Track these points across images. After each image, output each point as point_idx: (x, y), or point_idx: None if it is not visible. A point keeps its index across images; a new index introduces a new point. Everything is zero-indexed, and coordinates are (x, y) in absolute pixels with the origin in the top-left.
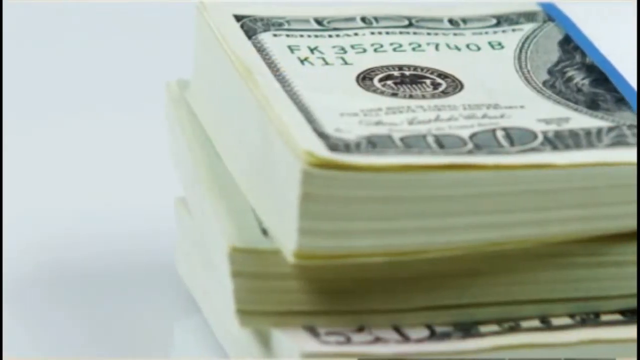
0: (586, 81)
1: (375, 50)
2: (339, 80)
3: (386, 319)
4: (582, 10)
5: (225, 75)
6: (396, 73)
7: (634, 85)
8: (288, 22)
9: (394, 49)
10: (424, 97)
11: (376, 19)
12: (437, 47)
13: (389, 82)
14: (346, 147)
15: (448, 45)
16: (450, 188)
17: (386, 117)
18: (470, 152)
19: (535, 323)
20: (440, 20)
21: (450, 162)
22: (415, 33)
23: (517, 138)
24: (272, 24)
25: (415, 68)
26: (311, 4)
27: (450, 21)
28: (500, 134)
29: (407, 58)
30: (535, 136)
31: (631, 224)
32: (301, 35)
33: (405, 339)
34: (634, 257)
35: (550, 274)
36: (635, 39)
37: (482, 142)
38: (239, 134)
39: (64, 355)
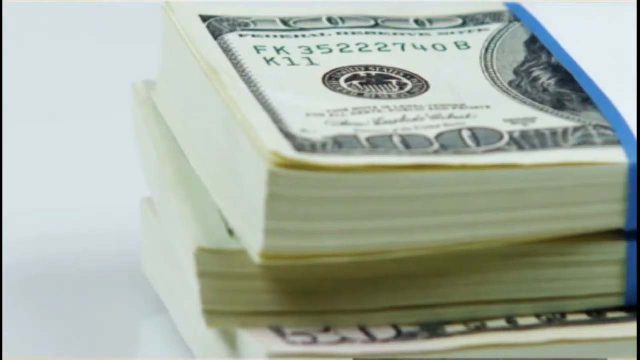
0: (552, 81)
1: (342, 50)
2: (305, 80)
3: (352, 319)
4: (548, 11)
5: (192, 76)
6: (362, 73)
7: (600, 85)
8: (254, 22)
9: (360, 49)
10: (390, 97)
11: (342, 19)
12: (403, 47)
13: (355, 83)
14: (312, 148)
15: (414, 46)
16: (416, 188)
17: (352, 117)
18: (436, 152)
19: (502, 323)
20: (406, 21)
21: (417, 162)
22: (381, 33)
23: (483, 138)
24: (238, 25)
25: (382, 68)
26: (277, 4)
27: (417, 21)
28: (466, 134)
29: (373, 58)
30: (501, 136)
31: (597, 224)
32: (267, 36)
33: (372, 339)
34: (600, 257)
35: (516, 274)
36: (598, 39)
37: (448, 142)
38: (206, 134)
39: (30, 354)
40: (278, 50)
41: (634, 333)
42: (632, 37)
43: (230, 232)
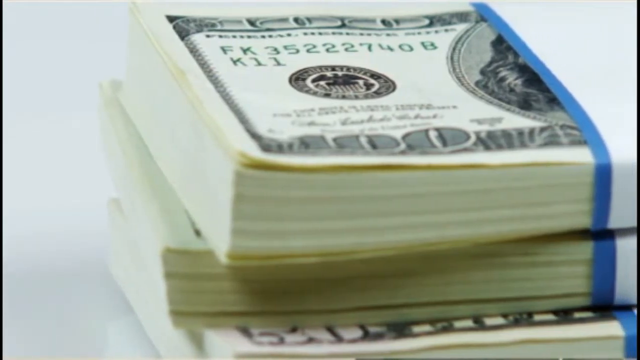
0: (519, 81)
1: (308, 50)
2: (271, 81)
3: (319, 319)
4: (515, 11)
5: (158, 76)
6: (329, 74)
7: (565, 85)
8: (221, 22)
9: (327, 50)
10: (356, 97)
11: (309, 19)
12: (370, 47)
13: (322, 83)
14: (279, 148)
15: (381, 46)
16: (383, 188)
17: (319, 117)
18: (403, 153)
19: (469, 323)
20: (373, 21)
21: (383, 163)
22: (348, 33)
23: (449, 138)
24: (205, 25)
25: (348, 68)
26: (244, 5)
27: (383, 21)
28: (433, 134)
29: (340, 58)
30: (467, 136)
31: (564, 224)
32: (234, 36)
33: (339, 339)
34: (567, 257)
35: (483, 274)
36: (566, 39)
37: (414, 142)
38: (172, 134)
39: None
40: (245, 51)
41: (600, 333)
42: (596, 36)
43: (197, 233)
